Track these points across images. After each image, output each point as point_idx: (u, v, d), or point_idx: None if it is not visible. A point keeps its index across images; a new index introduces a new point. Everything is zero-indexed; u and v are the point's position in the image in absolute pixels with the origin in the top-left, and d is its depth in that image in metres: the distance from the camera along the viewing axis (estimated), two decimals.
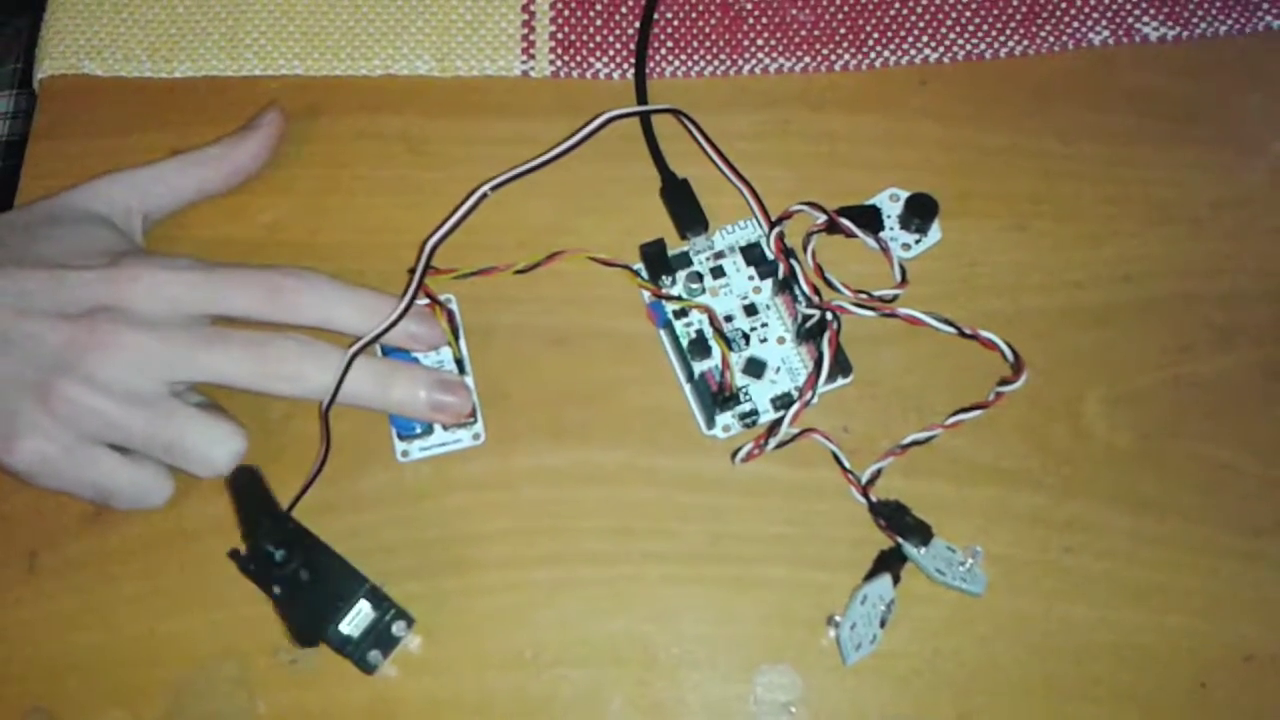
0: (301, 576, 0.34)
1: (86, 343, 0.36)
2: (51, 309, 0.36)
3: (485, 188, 0.40)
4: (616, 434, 0.40)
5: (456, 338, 0.40)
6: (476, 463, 0.39)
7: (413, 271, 0.39)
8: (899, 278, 0.40)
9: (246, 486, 0.37)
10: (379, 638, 0.36)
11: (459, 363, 0.40)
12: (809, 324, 0.38)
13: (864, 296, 0.40)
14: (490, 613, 0.38)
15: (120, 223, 0.41)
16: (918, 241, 0.41)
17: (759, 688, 0.37)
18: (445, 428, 0.39)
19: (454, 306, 0.41)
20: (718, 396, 0.39)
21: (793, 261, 0.39)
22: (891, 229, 0.41)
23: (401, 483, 0.39)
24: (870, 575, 0.37)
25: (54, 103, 0.45)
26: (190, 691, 0.37)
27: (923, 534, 0.36)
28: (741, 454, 0.38)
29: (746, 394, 0.39)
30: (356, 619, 0.36)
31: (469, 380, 0.40)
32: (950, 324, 0.39)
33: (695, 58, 0.45)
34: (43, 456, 0.36)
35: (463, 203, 0.40)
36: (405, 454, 0.39)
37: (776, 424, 0.38)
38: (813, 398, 0.38)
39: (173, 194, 0.42)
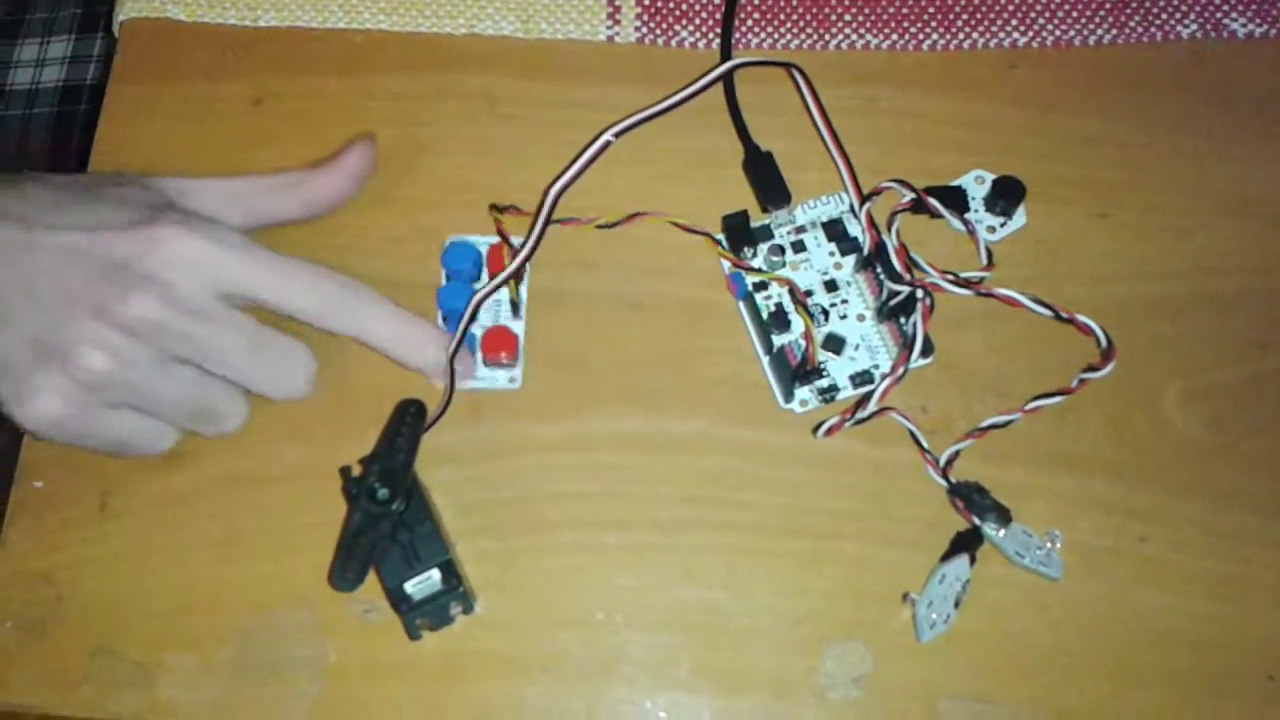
0: (386, 529, 0.34)
1: (116, 317, 0.35)
2: (82, 269, 0.35)
3: (608, 135, 0.40)
4: (691, 403, 0.40)
5: (519, 282, 0.40)
6: (552, 425, 0.39)
7: (523, 213, 0.40)
8: (985, 260, 0.40)
9: (406, 417, 0.37)
10: (434, 610, 0.36)
11: (514, 305, 0.40)
12: (894, 301, 0.38)
13: (950, 277, 0.39)
14: (562, 574, 0.38)
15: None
16: (1003, 224, 0.41)
17: (829, 661, 0.36)
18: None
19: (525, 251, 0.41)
20: (798, 370, 0.38)
21: (883, 238, 0.39)
22: (976, 211, 0.41)
23: (478, 442, 0.39)
24: (948, 555, 0.36)
25: (135, 46, 0.45)
26: (260, 637, 0.37)
27: (1002, 516, 0.36)
28: (824, 428, 0.38)
29: (825, 369, 0.39)
30: (423, 584, 0.35)
31: (519, 325, 0.40)
32: (1047, 306, 0.39)
33: (782, 30, 0.45)
34: (59, 419, 0.36)
35: (585, 150, 0.39)
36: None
37: (865, 399, 0.38)
38: (904, 374, 0.38)
39: (245, 216, 0.40)
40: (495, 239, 0.40)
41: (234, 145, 0.42)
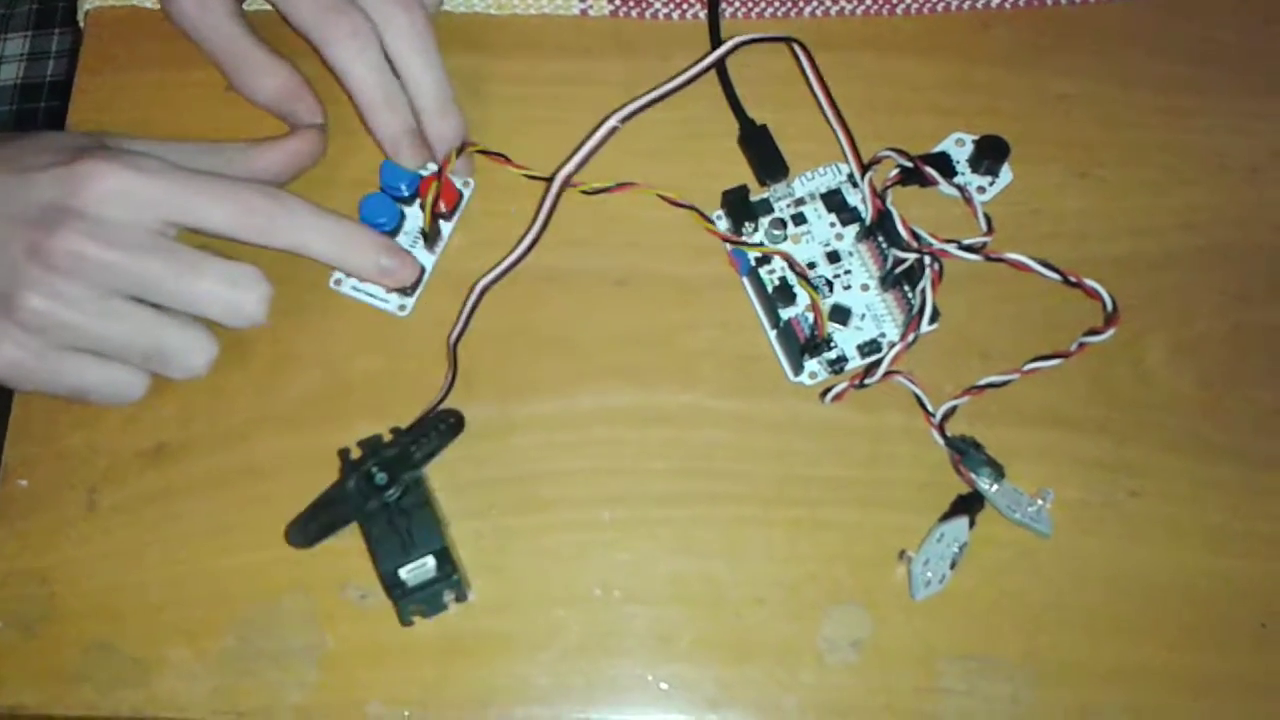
0: (382, 506, 0.35)
1: (47, 256, 0.35)
2: (11, 213, 0.36)
3: (613, 120, 0.40)
4: (682, 377, 0.40)
5: (449, 217, 0.41)
6: (543, 403, 0.39)
7: (511, 164, 0.40)
8: (985, 226, 0.40)
9: (441, 425, 0.37)
10: (428, 597, 0.36)
11: (425, 235, 0.40)
12: (900, 269, 0.38)
13: (955, 243, 0.39)
14: (559, 551, 0.38)
15: None
16: (991, 183, 0.41)
17: (827, 625, 0.37)
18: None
19: (468, 192, 0.41)
20: (807, 343, 0.38)
21: (888, 207, 0.39)
22: (962, 174, 0.41)
23: (469, 422, 0.39)
24: (947, 516, 0.37)
25: (101, 35, 0.44)
26: (256, 627, 0.37)
27: (996, 470, 0.37)
28: (832, 394, 0.38)
29: (833, 341, 0.39)
30: (418, 571, 0.35)
31: (432, 258, 0.41)
32: (1054, 269, 0.39)
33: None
34: (13, 363, 0.36)
35: (590, 135, 0.40)
36: (338, 282, 0.40)
37: (874, 366, 0.38)
38: (914, 340, 0.38)
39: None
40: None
41: (207, 133, 0.41)
